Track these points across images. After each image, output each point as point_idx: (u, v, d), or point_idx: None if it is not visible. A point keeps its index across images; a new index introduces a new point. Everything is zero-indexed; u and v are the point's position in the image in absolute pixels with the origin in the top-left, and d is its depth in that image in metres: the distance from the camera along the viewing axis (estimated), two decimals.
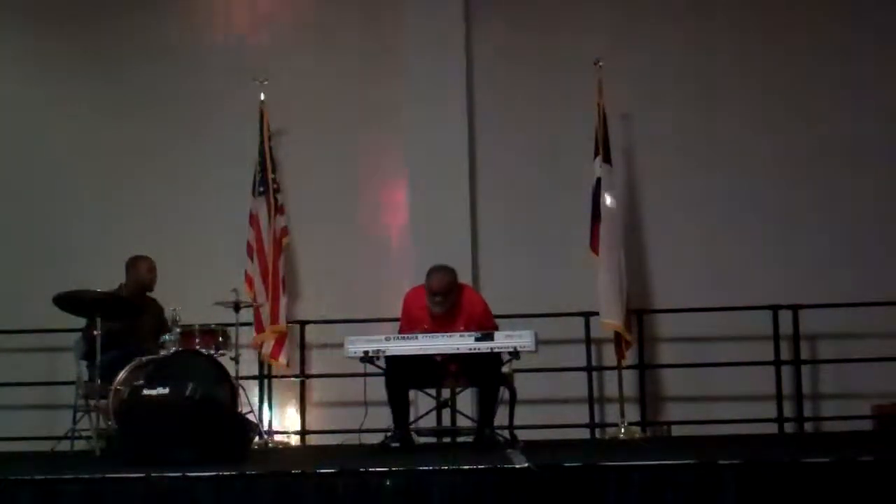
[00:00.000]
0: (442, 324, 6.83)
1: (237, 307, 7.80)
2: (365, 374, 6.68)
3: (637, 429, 8.28)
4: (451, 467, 5.13)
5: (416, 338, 6.65)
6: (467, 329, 6.73)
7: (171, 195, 9.14)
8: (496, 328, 6.84)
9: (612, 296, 8.18)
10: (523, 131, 9.06)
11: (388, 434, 6.80)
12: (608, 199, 8.33)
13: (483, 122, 9.06)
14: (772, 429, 8.39)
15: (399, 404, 6.80)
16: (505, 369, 6.82)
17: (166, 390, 6.09)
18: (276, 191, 8.69)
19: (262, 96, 8.73)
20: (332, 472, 5.08)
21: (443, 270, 6.86)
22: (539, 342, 6.57)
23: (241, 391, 7.42)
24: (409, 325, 6.97)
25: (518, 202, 9.02)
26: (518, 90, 9.09)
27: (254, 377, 8.64)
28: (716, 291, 8.58)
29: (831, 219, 8.81)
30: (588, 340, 8.56)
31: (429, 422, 7.77)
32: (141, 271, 7.62)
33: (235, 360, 7.59)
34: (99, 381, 6.88)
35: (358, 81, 9.18)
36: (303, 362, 8.76)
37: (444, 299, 6.81)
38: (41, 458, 7.00)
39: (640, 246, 8.90)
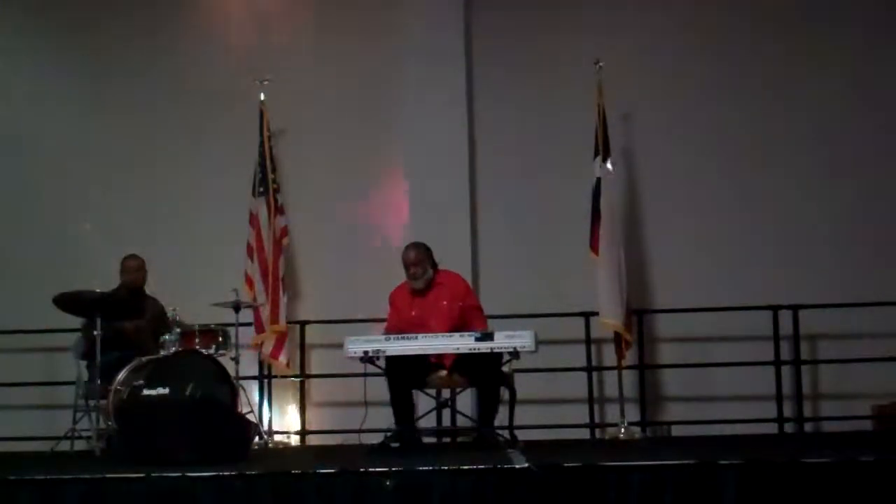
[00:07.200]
0: (427, 306, 6.97)
1: (237, 307, 7.81)
2: (365, 374, 6.68)
3: (637, 429, 8.28)
4: (451, 467, 5.13)
5: (416, 338, 6.66)
6: (452, 305, 6.91)
7: (171, 195, 9.14)
8: (481, 308, 7.00)
9: (612, 296, 8.18)
10: (523, 131, 9.05)
11: (388, 434, 6.81)
12: (608, 199, 8.33)
13: (483, 121, 9.04)
14: (772, 429, 8.38)
15: (403, 403, 6.82)
16: (505, 369, 6.82)
17: (166, 390, 6.09)
18: (276, 191, 8.68)
19: (262, 96, 8.73)
20: (332, 472, 5.09)
21: (412, 245, 7.11)
22: (539, 342, 6.58)
23: (241, 391, 7.43)
24: (397, 315, 7.09)
25: (518, 202, 9.01)
26: (518, 90, 9.08)
27: (254, 377, 8.64)
28: (716, 291, 8.56)
29: (831, 219, 8.79)
30: (588, 340, 8.55)
31: (429, 422, 7.76)
32: (128, 270, 7.64)
33: (235, 360, 7.60)
34: (99, 381, 6.89)
35: (358, 81, 9.17)
36: (303, 362, 8.75)
37: (419, 269, 6.98)
38: (41, 458, 7.01)
39: (640, 246, 8.90)
